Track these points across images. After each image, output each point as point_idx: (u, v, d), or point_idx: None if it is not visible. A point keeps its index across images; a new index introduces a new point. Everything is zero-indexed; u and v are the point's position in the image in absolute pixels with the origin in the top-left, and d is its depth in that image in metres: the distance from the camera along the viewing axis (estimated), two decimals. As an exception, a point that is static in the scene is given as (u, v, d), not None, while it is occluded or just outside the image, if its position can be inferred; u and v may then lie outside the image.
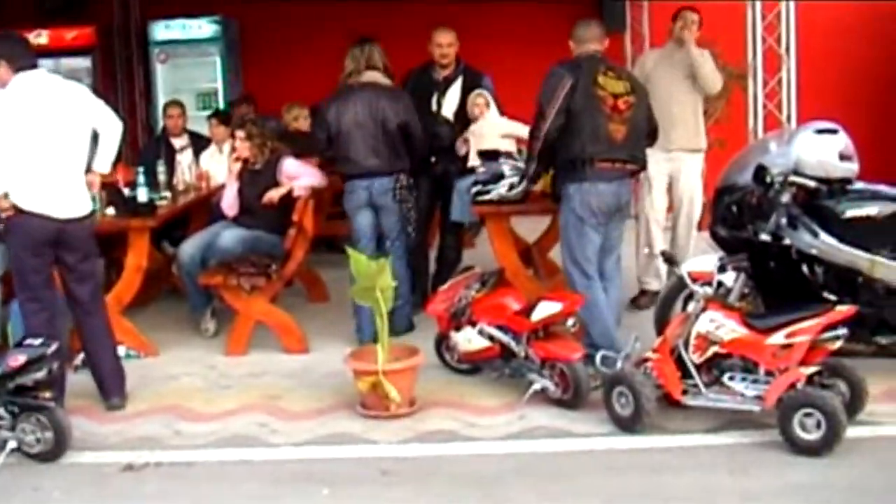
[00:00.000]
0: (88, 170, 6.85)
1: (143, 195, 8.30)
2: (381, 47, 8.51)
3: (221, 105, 13.15)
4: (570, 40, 7.30)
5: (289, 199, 8.43)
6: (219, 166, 10.00)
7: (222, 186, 9.03)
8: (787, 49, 10.23)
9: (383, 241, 8.37)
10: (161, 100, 12.77)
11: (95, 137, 6.83)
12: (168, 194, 9.13)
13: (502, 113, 8.67)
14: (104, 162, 6.96)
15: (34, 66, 6.64)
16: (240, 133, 8.63)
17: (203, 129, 11.16)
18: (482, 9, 13.28)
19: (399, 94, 8.49)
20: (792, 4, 10.11)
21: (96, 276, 6.97)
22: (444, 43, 8.91)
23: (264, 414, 6.77)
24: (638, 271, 8.97)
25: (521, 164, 7.94)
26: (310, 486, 5.67)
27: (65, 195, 6.58)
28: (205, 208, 9.72)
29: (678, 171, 8.85)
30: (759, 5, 10.09)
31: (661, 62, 9.02)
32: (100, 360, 6.96)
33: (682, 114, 8.81)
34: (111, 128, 6.86)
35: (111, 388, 6.93)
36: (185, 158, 10.54)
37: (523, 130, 7.95)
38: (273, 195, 8.45)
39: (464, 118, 8.76)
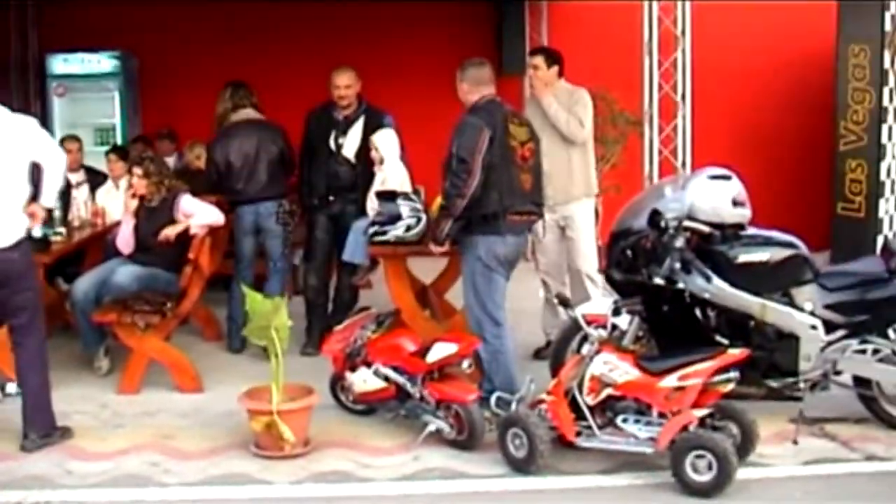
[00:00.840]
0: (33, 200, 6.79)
1: (37, 231, 8.13)
2: (253, 89, 9.32)
3: (119, 140, 13.02)
4: (463, 82, 7.26)
5: (185, 237, 8.36)
6: (115, 202, 9.90)
7: (118, 223, 8.93)
8: (683, 96, 10.39)
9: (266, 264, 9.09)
10: (58, 134, 12.59)
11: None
12: (63, 230, 9.00)
13: (404, 152, 8.66)
14: (49, 195, 6.91)
15: None
16: (137, 170, 8.55)
17: (101, 164, 11.04)
18: (383, 49, 13.34)
19: (272, 125, 9.15)
20: (688, 52, 10.28)
21: (30, 307, 6.76)
22: (342, 84, 8.92)
23: (157, 453, 6.68)
24: (542, 322, 8.84)
25: (418, 205, 7.96)
26: (202, 526, 5.62)
27: None
28: (100, 245, 9.60)
29: (564, 221, 8.58)
30: (655, 53, 10.23)
31: (533, 113, 8.48)
32: (23, 393, 6.84)
33: (555, 166, 8.25)
34: (55, 161, 6.80)
35: (24, 425, 6.77)
36: (80, 194, 10.43)
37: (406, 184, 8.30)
38: (169, 232, 8.37)
39: (366, 158, 8.75)
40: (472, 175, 6.86)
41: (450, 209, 6.98)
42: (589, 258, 8.55)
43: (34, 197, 6.82)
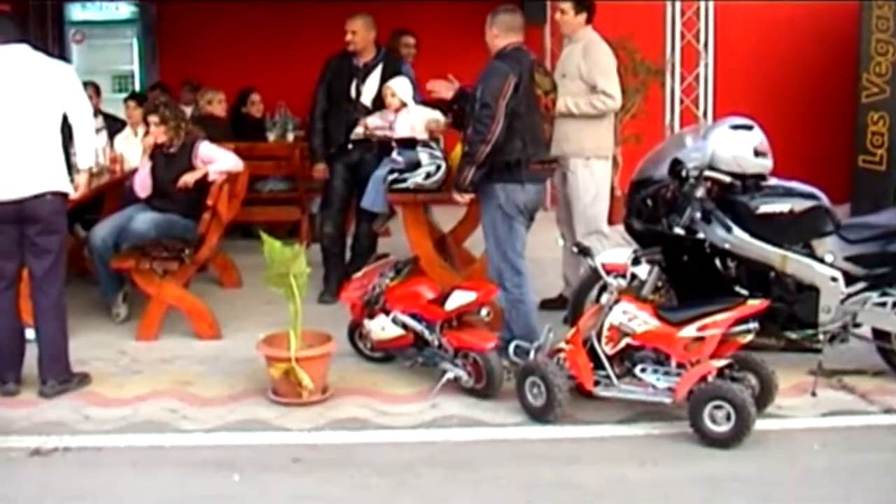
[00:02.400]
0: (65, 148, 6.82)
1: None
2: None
3: (138, 88, 13.00)
4: (493, 27, 7.15)
5: (204, 184, 8.34)
6: (133, 149, 9.91)
7: (136, 170, 8.92)
8: (705, 46, 10.32)
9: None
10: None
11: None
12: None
13: (420, 101, 8.60)
14: (85, 157, 6.94)
15: (18, 41, 6.62)
16: (153, 118, 8.52)
17: (119, 111, 11.04)
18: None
19: None
20: (711, 2, 10.19)
21: (55, 253, 6.76)
22: (349, 30, 8.88)
23: (175, 400, 6.70)
24: (563, 270, 8.70)
25: (437, 153, 7.94)
26: (220, 472, 5.62)
27: (25, 174, 6.50)
28: (118, 191, 9.61)
29: (564, 175, 8.36)
30: (678, 3, 10.15)
31: (567, 57, 8.42)
32: (39, 340, 6.83)
33: (567, 120, 8.08)
34: (83, 119, 6.80)
35: (40, 372, 6.78)
36: (99, 140, 10.39)
37: (439, 115, 8.08)
38: (188, 179, 8.35)
39: (384, 106, 8.71)
40: (496, 120, 6.79)
41: (473, 156, 6.90)
42: (586, 219, 8.24)
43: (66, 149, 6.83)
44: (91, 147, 6.96)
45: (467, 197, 7.16)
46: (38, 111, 6.55)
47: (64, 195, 6.77)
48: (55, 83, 6.65)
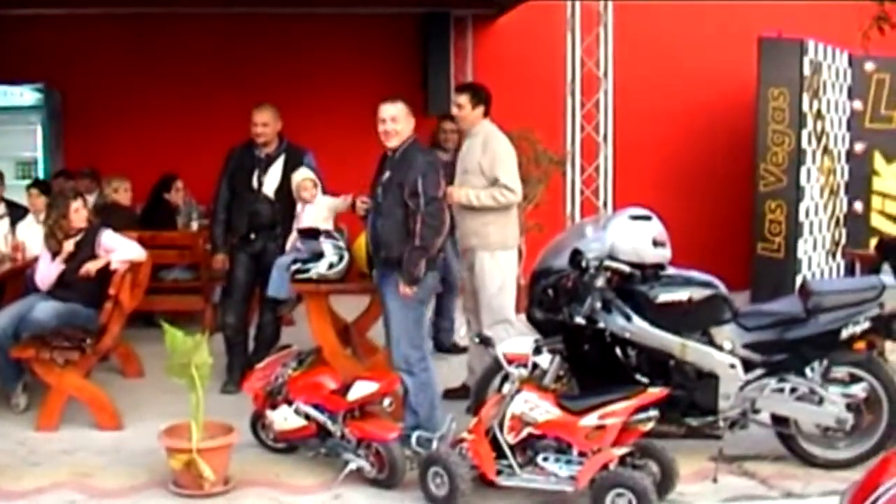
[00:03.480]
0: None
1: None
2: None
3: (41, 174, 12.90)
4: (406, 114, 7.16)
5: (106, 273, 8.29)
6: (36, 237, 9.79)
7: (38, 258, 8.83)
8: (605, 137, 10.49)
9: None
10: (-22, 167, 12.45)
11: None
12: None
13: (325, 189, 8.65)
14: None
15: None
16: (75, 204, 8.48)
17: (22, 198, 10.94)
18: (308, 86, 13.38)
19: None
20: (610, 93, 10.38)
21: None
22: (259, 122, 8.90)
23: (75, 492, 6.60)
24: (469, 360, 8.63)
25: (341, 243, 7.98)
26: (118, 566, 5.55)
27: None
28: (19, 279, 9.49)
29: (472, 266, 8.35)
30: (578, 94, 10.32)
31: (467, 150, 8.44)
32: None
33: (470, 212, 8.20)
34: None
35: None
36: (0, 228, 10.31)
37: (342, 203, 8.13)
38: (90, 267, 8.29)
39: (286, 196, 8.74)
40: (445, 212, 7.00)
41: (428, 249, 6.93)
42: (492, 309, 8.19)
43: None
44: None
45: (414, 290, 7.04)
46: None
47: None
48: None
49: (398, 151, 7.15)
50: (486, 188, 8.11)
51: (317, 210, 8.31)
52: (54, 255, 8.42)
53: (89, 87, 13.63)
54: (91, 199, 11.31)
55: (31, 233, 10.10)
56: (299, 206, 8.44)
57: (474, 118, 8.34)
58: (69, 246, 8.40)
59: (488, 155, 8.15)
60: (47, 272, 8.45)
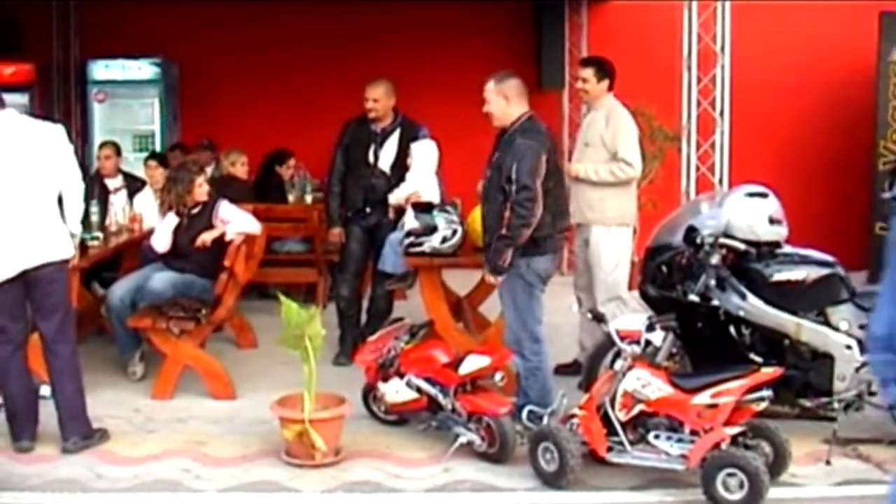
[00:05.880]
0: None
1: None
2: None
3: (158, 147, 13.09)
4: (503, 93, 7.01)
5: (221, 244, 8.40)
6: (153, 209, 9.96)
7: (154, 230, 8.98)
8: (721, 112, 10.34)
9: None
10: (98, 139, 12.66)
11: None
12: (100, 235, 9.02)
13: (440, 165, 8.67)
14: (74, 222, 6.92)
15: (1, 106, 6.59)
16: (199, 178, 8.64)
17: (140, 170, 11.11)
18: (421, 61, 13.39)
19: None
20: (727, 68, 10.24)
21: (61, 312, 6.76)
22: (371, 97, 8.92)
23: (189, 459, 6.71)
24: (580, 336, 8.61)
25: (454, 217, 7.98)
26: (231, 533, 5.63)
27: (24, 246, 6.50)
28: (136, 250, 9.65)
29: (588, 242, 8.35)
30: (694, 69, 10.20)
31: (588, 124, 8.49)
32: (56, 399, 6.82)
33: (587, 186, 8.21)
34: (72, 184, 6.80)
35: (61, 430, 6.79)
36: (118, 200, 10.48)
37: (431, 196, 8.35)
38: (206, 238, 8.42)
39: (401, 170, 8.78)
40: (537, 202, 6.74)
41: (514, 238, 6.79)
42: (607, 286, 8.20)
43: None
44: (77, 213, 6.94)
45: (501, 278, 7.05)
46: (32, 178, 6.53)
47: (66, 260, 6.79)
48: (46, 147, 6.63)
49: (508, 132, 7.04)
50: (606, 162, 8.07)
51: (414, 183, 8.38)
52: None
53: (206, 63, 13.80)
54: (208, 170, 11.45)
55: (149, 205, 10.26)
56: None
57: (599, 92, 8.32)
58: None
59: (611, 129, 8.14)
60: (165, 232, 8.63)
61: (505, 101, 7.05)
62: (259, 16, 13.54)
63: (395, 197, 8.72)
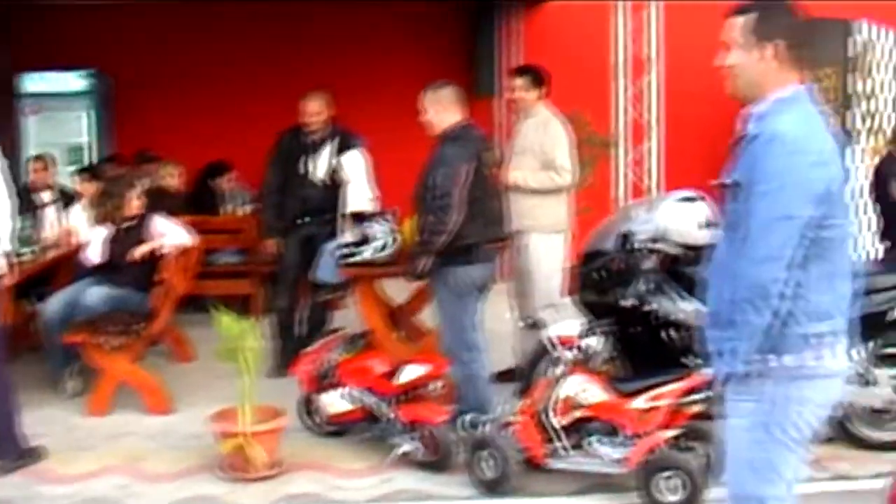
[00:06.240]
0: None
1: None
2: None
3: (92, 160, 12.99)
4: (435, 103, 7.00)
5: (156, 257, 8.34)
6: (86, 222, 9.87)
7: (88, 243, 8.89)
8: (654, 118, 10.42)
9: None
10: (30, 152, 12.54)
11: None
12: (32, 249, 8.94)
13: (371, 174, 8.65)
14: (3, 239, 6.84)
15: None
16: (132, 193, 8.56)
17: (73, 183, 11.02)
18: (356, 69, 13.38)
19: None
20: (660, 74, 10.31)
21: None
22: (310, 112, 8.90)
23: (126, 476, 6.65)
24: (515, 344, 8.57)
25: (390, 227, 7.97)
26: (169, 549, 5.59)
27: None
28: (70, 264, 9.55)
29: (524, 248, 8.36)
30: (622, 76, 10.26)
31: (523, 133, 8.47)
32: None
33: (524, 194, 8.20)
34: (1, 203, 6.73)
35: None
36: (50, 213, 10.38)
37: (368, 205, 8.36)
38: (140, 252, 8.35)
39: (336, 180, 8.75)
40: (454, 210, 6.71)
41: (430, 245, 6.81)
42: (543, 292, 8.23)
43: None
44: (6, 230, 6.84)
45: (420, 283, 7.10)
46: None
47: None
48: None
49: (441, 140, 7.02)
50: (541, 170, 8.09)
51: (352, 194, 8.38)
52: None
53: (139, 74, 13.68)
54: (144, 182, 11.38)
55: (81, 218, 10.17)
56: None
57: (532, 101, 8.35)
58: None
59: (545, 137, 8.17)
60: (98, 243, 8.55)
61: (441, 110, 7.03)
62: (194, 28, 13.47)
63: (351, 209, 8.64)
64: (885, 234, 9.50)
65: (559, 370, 6.32)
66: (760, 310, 3.58)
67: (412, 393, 6.85)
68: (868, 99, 11.88)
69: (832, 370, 3.75)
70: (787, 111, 3.74)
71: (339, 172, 8.50)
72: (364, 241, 7.95)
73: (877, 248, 12.14)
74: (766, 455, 3.80)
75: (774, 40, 3.80)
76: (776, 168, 3.61)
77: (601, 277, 6.93)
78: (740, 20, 3.91)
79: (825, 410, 3.79)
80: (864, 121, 11.82)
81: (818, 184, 3.61)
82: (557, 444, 6.15)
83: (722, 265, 3.80)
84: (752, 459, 3.83)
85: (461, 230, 6.78)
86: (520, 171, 8.13)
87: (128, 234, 8.49)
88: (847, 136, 11.63)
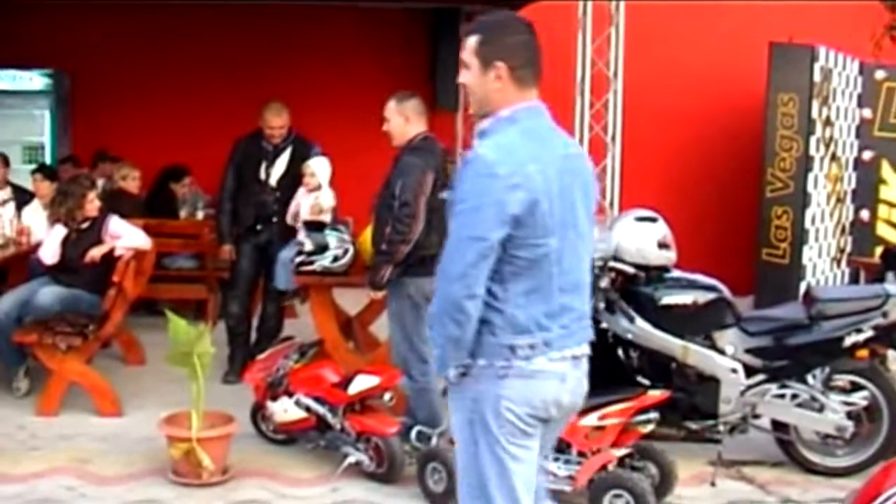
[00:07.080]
0: None
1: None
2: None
3: (49, 159, 12.92)
4: (401, 113, 7.00)
5: (111, 259, 8.30)
6: (41, 221, 9.81)
7: (42, 242, 8.85)
8: (613, 137, 10.46)
9: None
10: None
11: None
12: (-13, 247, 8.89)
13: (331, 182, 8.64)
14: None
15: None
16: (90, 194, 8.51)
17: (28, 182, 10.95)
18: (314, 79, 13.38)
19: None
20: (619, 94, 10.36)
21: None
22: (276, 125, 8.85)
23: (73, 477, 6.62)
24: None
25: (346, 237, 7.98)
26: (115, 553, 5.56)
27: None
28: (23, 264, 9.50)
29: None
30: (587, 94, 10.30)
31: None
32: None
33: None
34: None
35: None
36: (6, 212, 10.30)
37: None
38: (95, 253, 8.31)
39: (292, 187, 8.73)
40: (417, 220, 6.76)
41: (392, 255, 6.84)
42: None
43: None
44: None
45: (381, 293, 7.11)
46: None
47: None
48: None
49: (402, 150, 7.04)
50: None
51: (324, 198, 8.33)
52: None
53: (99, 74, 13.61)
54: (100, 184, 11.32)
55: (37, 217, 10.10)
56: (303, 196, 8.46)
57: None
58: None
59: None
60: (53, 244, 8.49)
61: (404, 121, 7.03)
62: (154, 30, 13.41)
63: (305, 210, 8.61)
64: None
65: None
66: (460, 322, 3.65)
67: (363, 403, 6.85)
68: (825, 125, 11.98)
69: (531, 371, 3.77)
70: (499, 132, 3.83)
71: (306, 177, 8.44)
72: (320, 249, 7.95)
73: (834, 274, 12.30)
74: (476, 463, 3.82)
75: (495, 63, 3.85)
76: (472, 189, 3.67)
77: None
78: (469, 41, 3.90)
79: (528, 408, 3.77)
80: (818, 147, 11.90)
81: (514, 206, 3.62)
82: (507, 459, 6.16)
83: None
84: (465, 468, 3.89)
85: (421, 241, 6.81)
86: None
87: (84, 235, 8.44)
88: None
